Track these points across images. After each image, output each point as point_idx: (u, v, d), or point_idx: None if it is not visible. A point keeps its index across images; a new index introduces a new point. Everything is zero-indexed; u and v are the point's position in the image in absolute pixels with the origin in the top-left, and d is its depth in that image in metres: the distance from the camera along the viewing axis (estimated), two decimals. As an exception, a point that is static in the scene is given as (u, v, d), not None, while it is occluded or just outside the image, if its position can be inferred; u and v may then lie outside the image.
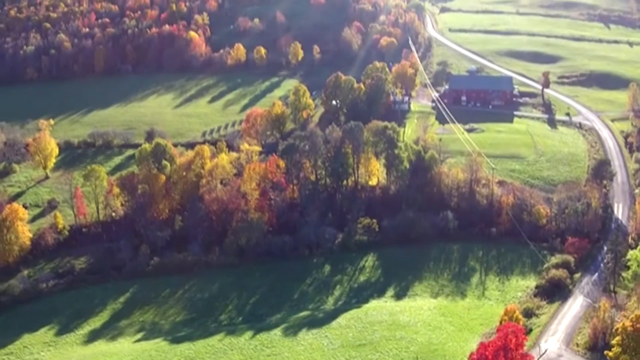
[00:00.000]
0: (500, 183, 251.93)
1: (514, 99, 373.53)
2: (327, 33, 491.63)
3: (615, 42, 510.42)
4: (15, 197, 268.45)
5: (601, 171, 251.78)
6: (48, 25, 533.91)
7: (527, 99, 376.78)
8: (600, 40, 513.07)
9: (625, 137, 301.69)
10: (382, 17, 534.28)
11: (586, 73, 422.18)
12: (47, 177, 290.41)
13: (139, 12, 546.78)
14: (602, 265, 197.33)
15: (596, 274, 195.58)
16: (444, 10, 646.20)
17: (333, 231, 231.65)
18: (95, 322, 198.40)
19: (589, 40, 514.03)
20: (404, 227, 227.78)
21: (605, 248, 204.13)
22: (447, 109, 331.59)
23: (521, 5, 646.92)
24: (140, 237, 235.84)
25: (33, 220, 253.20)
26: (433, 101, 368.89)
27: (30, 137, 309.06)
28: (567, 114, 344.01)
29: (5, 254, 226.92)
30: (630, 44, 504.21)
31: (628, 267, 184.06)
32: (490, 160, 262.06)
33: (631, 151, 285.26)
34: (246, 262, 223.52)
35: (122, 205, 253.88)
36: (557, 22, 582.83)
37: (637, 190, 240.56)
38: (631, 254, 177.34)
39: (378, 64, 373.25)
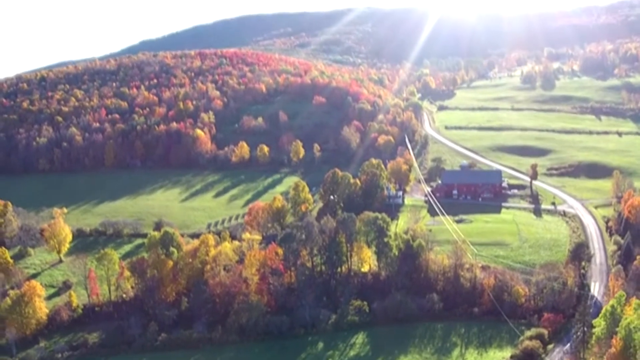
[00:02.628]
0: (484, 267, 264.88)
1: (503, 191, 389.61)
2: (327, 131, 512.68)
3: (605, 132, 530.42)
4: (31, 279, 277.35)
5: (579, 253, 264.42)
6: (60, 118, 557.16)
7: (515, 190, 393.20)
8: (590, 132, 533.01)
9: (607, 222, 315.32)
10: (380, 116, 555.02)
11: (574, 164, 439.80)
12: (60, 261, 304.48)
13: (148, 109, 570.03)
14: (574, 335, 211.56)
15: (568, 345, 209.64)
16: (441, 108, 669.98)
17: (327, 312, 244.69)
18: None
19: (580, 132, 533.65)
20: (393, 309, 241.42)
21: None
22: (438, 203, 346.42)
23: (516, 101, 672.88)
24: (149, 315, 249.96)
25: (49, 298, 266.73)
26: (426, 195, 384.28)
27: (45, 224, 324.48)
28: (553, 203, 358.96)
29: (24, 326, 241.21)
30: (620, 134, 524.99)
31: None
32: (476, 247, 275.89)
33: (611, 234, 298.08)
34: (247, 340, 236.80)
35: (132, 287, 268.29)
36: (550, 116, 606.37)
37: (613, 270, 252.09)
38: (595, 321, 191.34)
39: (374, 161, 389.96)
